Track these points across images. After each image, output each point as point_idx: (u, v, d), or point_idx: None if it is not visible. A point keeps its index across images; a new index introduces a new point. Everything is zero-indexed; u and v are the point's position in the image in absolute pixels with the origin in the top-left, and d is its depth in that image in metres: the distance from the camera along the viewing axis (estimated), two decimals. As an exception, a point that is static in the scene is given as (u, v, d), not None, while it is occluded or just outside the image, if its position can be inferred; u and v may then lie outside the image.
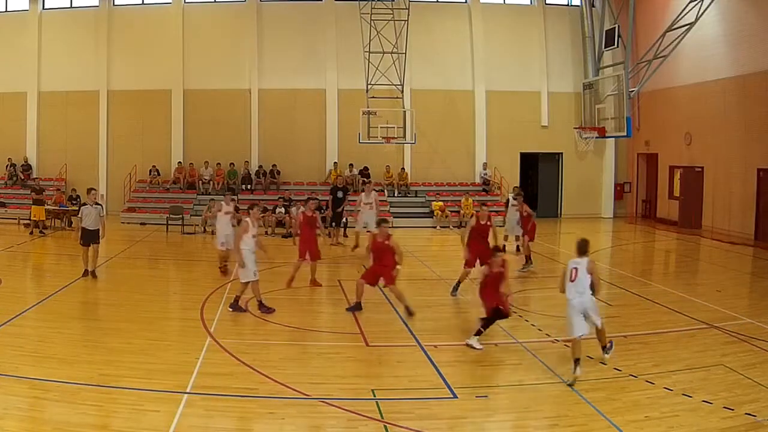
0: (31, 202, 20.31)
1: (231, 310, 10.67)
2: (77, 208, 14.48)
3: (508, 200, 16.88)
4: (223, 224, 13.83)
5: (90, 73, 25.55)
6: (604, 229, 23.92)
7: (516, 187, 18.45)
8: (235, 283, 13.22)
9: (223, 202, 14.12)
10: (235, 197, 13.13)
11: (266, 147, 25.84)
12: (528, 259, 14.76)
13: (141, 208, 23.78)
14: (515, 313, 10.96)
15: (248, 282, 10.64)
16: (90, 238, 13.11)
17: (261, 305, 10.70)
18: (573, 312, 7.99)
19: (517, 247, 16.67)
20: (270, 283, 13.73)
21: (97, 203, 13.29)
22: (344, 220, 19.73)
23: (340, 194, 19.27)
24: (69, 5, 26.17)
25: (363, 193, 17.55)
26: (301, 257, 12.64)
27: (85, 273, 13.13)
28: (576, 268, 8.06)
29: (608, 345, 8.47)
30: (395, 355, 8.79)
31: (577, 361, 7.76)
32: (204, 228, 21.05)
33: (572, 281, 8.04)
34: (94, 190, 13.79)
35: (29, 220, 20.34)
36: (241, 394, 7.19)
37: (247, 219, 10.81)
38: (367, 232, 16.24)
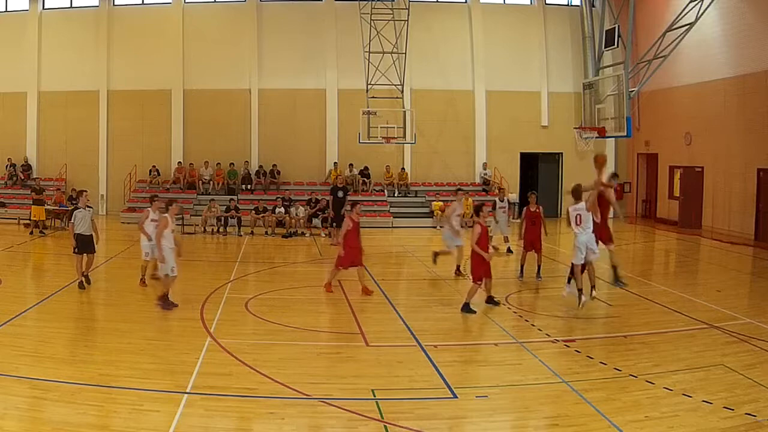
0: (31, 202, 20.28)
1: (159, 304, 10.61)
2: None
3: (494, 203, 16.92)
4: (150, 232, 12.09)
5: (90, 73, 25.55)
6: (604, 229, 23.87)
7: (501, 189, 18.69)
8: (235, 283, 13.29)
9: (150, 209, 12.42)
10: (164, 204, 11.78)
11: (266, 147, 25.84)
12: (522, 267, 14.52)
13: (141, 208, 23.58)
14: (515, 313, 10.99)
15: (167, 275, 10.76)
16: (85, 244, 12.22)
17: (164, 298, 10.72)
18: (579, 244, 10.39)
19: (508, 248, 16.85)
20: (269, 283, 13.79)
21: (87, 206, 12.54)
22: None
23: (340, 194, 19.27)
24: (69, 5, 26.16)
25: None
26: (353, 264, 11.99)
27: (81, 285, 12.08)
28: (579, 215, 10.38)
29: (593, 285, 10.57)
30: (395, 355, 8.76)
31: (580, 291, 10.41)
32: (204, 228, 21.13)
33: (579, 225, 10.33)
34: (86, 191, 13.02)
35: (29, 220, 20.33)
36: (241, 394, 7.18)
37: (166, 215, 10.88)
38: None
